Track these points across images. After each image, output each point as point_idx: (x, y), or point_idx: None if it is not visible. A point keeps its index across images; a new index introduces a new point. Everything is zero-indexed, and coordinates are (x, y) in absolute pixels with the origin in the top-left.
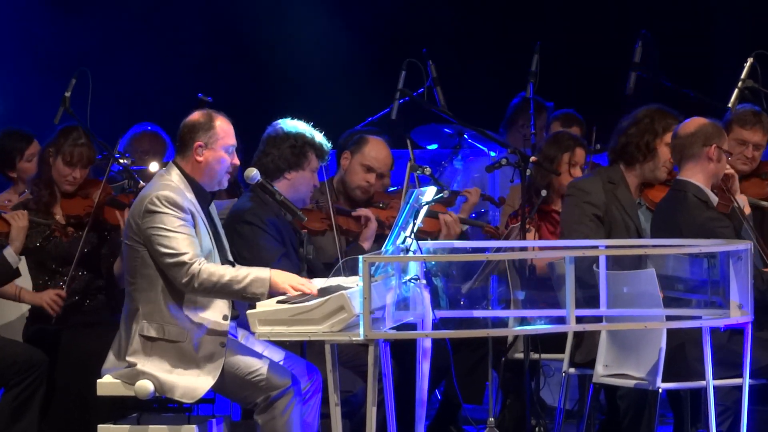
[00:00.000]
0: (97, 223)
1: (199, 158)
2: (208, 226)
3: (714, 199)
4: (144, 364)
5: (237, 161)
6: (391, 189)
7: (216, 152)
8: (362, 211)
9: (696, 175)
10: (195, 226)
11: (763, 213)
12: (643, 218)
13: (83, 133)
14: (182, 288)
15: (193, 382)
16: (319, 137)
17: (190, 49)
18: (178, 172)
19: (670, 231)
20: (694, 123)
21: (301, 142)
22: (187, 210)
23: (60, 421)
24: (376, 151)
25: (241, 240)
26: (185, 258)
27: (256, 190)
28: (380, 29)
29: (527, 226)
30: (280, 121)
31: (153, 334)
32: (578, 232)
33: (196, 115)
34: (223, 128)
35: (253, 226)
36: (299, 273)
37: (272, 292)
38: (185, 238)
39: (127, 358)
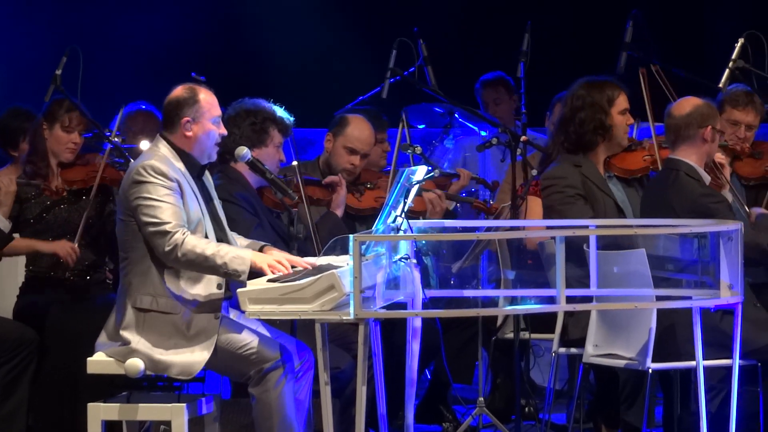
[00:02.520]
0: (101, 188)
1: (189, 133)
2: (198, 194)
3: (707, 178)
4: (138, 340)
5: (224, 131)
6: (387, 168)
7: (204, 125)
8: (331, 178)
9: (690, 156)
10: (183, 195)
11: (756, 192)
12: (615, 189)
13: (73, 102)
14: (164, 258)
15: (188, 358)
16: (280, 111)
17: (182, 27)
18: (165, 144)
19: (662, 210)
20: (688, 103)
21: (261, 119)
22: (174, 179)
23: (50, 398)
24: (358, 131)
25: None
26: (167, 227)
27: (225, 170)
28: (371, 8)
29: (518, 205)
30: (239, 100)
31: (145, 305)
32: (570, 211)
33: (178, 91)
34: (208, 100)
35: (224, 202)
36: (290, 251)
37: (251, 271)
38: (169, 207)
39: (121, 332)
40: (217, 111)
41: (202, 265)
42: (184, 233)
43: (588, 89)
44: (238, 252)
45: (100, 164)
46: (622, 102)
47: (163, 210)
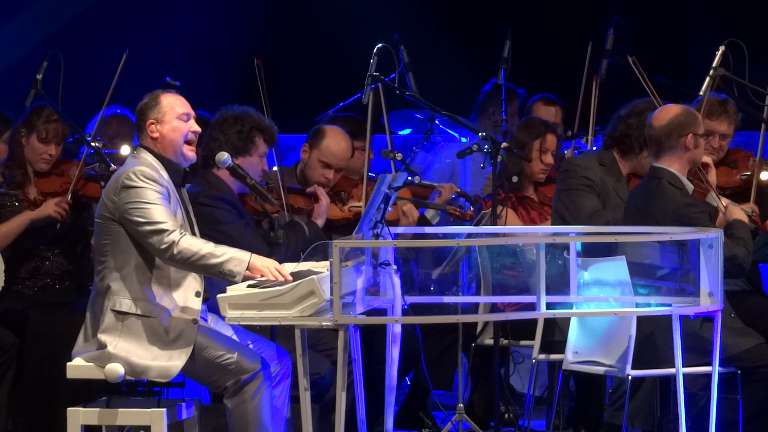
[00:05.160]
0: (77, 199)
1: (155, 135)
2: (180, 203)
3: (690, 186)
4: (116, 343)
5: (197, 128)
6: (372, 175)
7: (168, 123)
8: (313, 189)
9: (673, 164)
10: (169, 202)
11: (732, 201)
12: None
13: (54, 110)
14: (159, 256)
15: (166, 362)
16: (267, 121)
17: (161, 32)
18: (147, 153)
19: (644, 218)
20: (667, 112)
21: (248, 127)
22: (163, 185)
23: (29, 403)
24: (334, 145)
25: (201, 220)
26: (163, 226)
27: (206, 175)
28: (352, 14)
29: (498, 212)
30: (228, 106)
31: (125, 309)
32: (583, 198)
33: (144, 99)
34: (170, 101)
35: (209, 207)
36: (269, 255)
37: (249, 274)
38: (163, 210)
39: (99, 335)
40: (183, 109)
41: (197, 264)
42: (181, 233)
43: (654, 106)
44: (237, 253)
45: (74, 176)
46: None
47: (158, 212)
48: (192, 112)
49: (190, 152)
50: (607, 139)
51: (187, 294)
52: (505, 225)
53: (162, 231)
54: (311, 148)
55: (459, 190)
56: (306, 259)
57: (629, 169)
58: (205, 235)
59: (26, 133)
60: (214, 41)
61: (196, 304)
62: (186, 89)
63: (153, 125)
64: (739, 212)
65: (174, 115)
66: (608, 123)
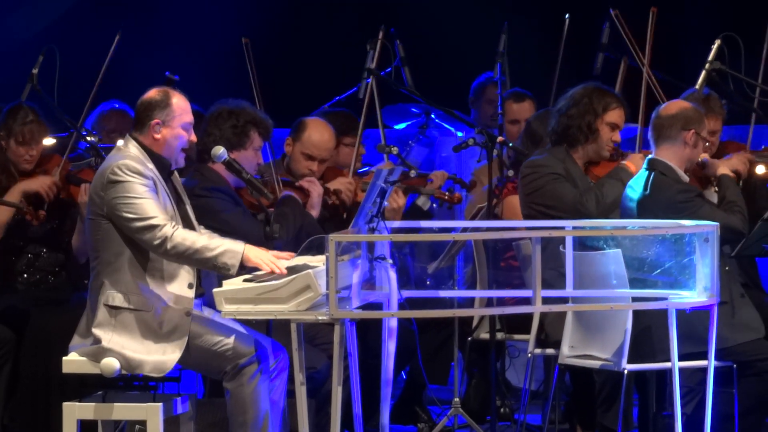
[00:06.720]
0: (59, 199)
1: (157, 136)
2: (169, 194)
3: (685, 178)
4: (110, 338)
5: (194, 138)
6: (363, 170)
7: (173, 129)
8: (304, 181)
9: (670, 158)
10: (157, 194)
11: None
12: None
13: (29, 110)
14: (153, 251)
15: (160, 357)
16: (262, 114)
17: (159, 26)
18: (135, 144)
19: (640, 211)
20: (676, 105)
21: (242, 121)
22: (149, 176)
23: (25, 399)
24: (316, 136)
25: (200, 212)
26: (156, 221)
27: (201, 169)
28: (348, 8)
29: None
30: (222, 100)
31: (117, 303)
32: (557, 188)
33: (152, 93)
34: (180, 105)
35: (206, 198)
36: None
37: (244, 265)
38: (152, 203)
39: (93, 330)
40: (189, 117)
41: (191, 258)
42: (173, 226)
43: (589, 91)
44: (231, 245)
45: (54, 176)
46: (614, 115)
47: (147, 206)
48: (193, 120)
49: (182, 159)
50: (552, 135)
51: (180, 286)
52: (502, 213)
53: (154, 226)
54: (294, 142)
55: (452, 176)
56: (302, 254)
57: (584, 159)
58: (206, 225)
59: (5, 137)
60: (209, 33)
61: (189, 295)
62: (181, 83)
63: (158, 126)
64: (723, 167)
65: (181, 122)
66: (550, 120)
